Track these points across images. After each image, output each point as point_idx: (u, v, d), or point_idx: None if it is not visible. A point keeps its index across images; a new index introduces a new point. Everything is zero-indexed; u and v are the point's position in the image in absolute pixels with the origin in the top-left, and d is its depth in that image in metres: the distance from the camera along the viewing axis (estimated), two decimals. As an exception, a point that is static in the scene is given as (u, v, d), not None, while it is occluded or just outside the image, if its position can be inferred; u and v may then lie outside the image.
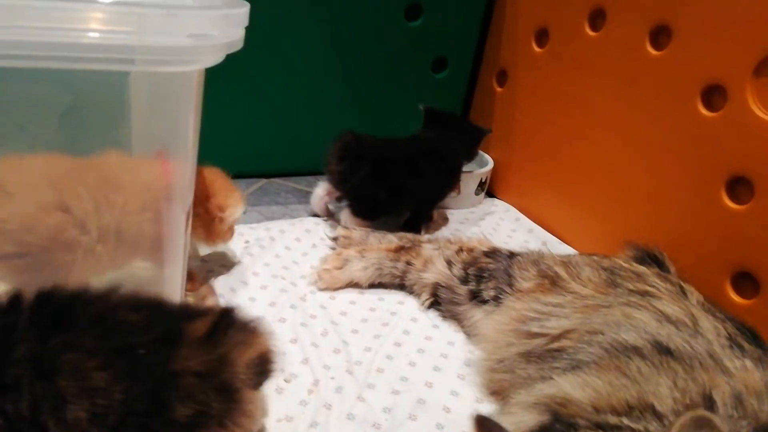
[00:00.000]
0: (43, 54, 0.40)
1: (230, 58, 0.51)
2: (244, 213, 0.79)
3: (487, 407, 0.64)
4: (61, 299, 0.45)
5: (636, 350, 0.52)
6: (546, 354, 0.58)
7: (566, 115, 1.03)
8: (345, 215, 0.96)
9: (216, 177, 0.76)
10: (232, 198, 0.75)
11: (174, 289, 0.62)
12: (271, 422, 0.57)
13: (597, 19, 0.97)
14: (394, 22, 1.11)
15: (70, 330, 0.43)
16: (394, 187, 0.94)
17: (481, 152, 1.19)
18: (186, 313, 0.49)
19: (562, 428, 0.45)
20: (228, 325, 0.48)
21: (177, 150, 0.60)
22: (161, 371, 0.43)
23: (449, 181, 1.04)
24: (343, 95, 1.14)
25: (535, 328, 0.61)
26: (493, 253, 0.78)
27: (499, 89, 1.20)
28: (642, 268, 0.69)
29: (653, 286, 0.63)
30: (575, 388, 0.49)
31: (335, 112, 1.14)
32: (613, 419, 0.44)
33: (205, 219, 0.73)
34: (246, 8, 0.48)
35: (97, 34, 0.40)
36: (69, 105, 0.75)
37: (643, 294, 0.61)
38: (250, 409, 0.49)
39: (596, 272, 0.67)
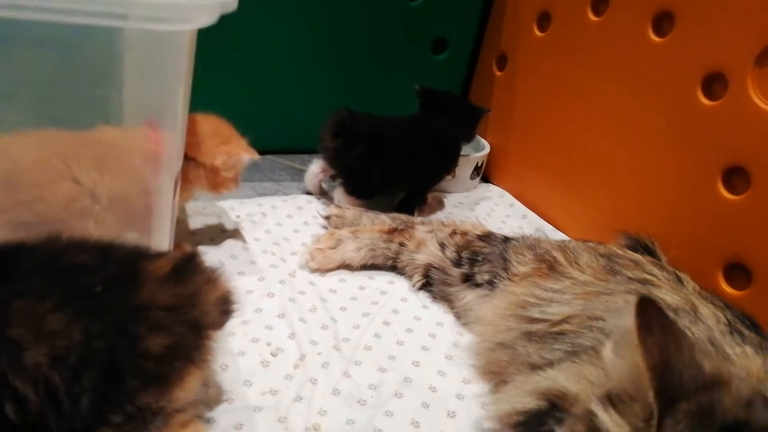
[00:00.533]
0: (36, 5, 0.39)
1: (225, 29, 0.49)
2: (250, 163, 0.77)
3: (474, 388, 0.64)
4: (2, 252, 0.45)
5: None
6: (548, 335, 0.58)
7: (565, 101, 1.02)
8: (338, 193, 0.95)
9: (219, 124, 0.75)
10: (237, 145, 0.74)
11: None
12: (255, 395, 0.57)
13: (599, 4, 0.96)
14: (395, 1, 1.09)
15: (16, 279, 0.42)
16: (388, 167, 0.93)
17: (477, 136, 1.18)
18: (142, 253, 0.50)
19: (558, 417, 0.45)
20: (192, 266, 0.49)
21: (167, 118, 0.59)
22: (123, 306, 0.43)
23: (446, 165, 1.03)
24: (340, 73, 1.12)
25: (535, 314, 0.61)
26: (487, 237, 0.78)
27: (498, 73, 1.19)
28: (637, 256, 0.69)
29: (652, 274, 0.63)
30: (570, 380, 0.48)
31: (332, 90, 1.12)
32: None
33: (210, 168, 0.72)
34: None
35: None
36: (62, 68, 0.73)
37: (643, 282, 0.61)
38: (215, 349, 0.50)
39: (594, 258, 0.66)
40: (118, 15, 0.42)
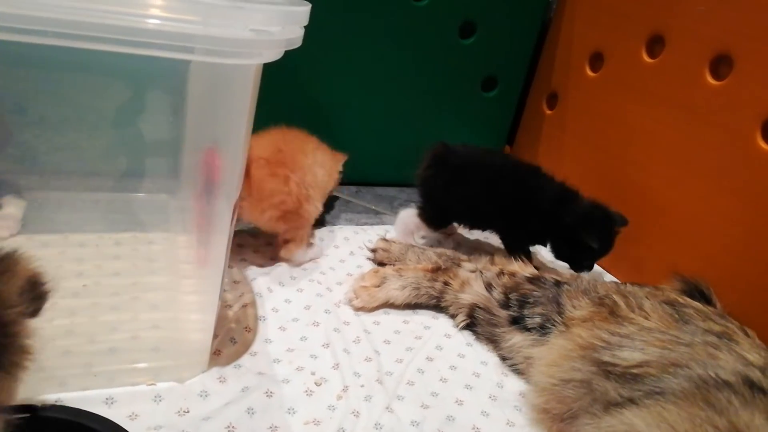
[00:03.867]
0: (107, 36, 0.41)
1: (286, 63, 0.51)
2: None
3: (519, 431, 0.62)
4: None
5: (727, 384, 0.51)
6: (627, 375, 0.57)
7: (618, 141, 1.01)
8: (412, 216, 0.95)
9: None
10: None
11: (215, 283, 0.62)
12: (298, 424, 0.57)
13: (655, 45, 0.95)
14: (447, 39, 1.11)
15: None
16: (468, 202, 0.91)
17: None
18: None
19: None
20: None
21: (228, 145, 0.61)
22: None
23: (533, 230, 0.91)
24: (393, 107, 1.14)
25: (606, 357, 0.59)
26: (537, 279, 0.77)
27: (548, 111, 1.18)
28: (699, 305, 0.67)
29: (724, 327, 0.61)
30: (650, 426, 0.47)
31: (384, 122, 1.15)
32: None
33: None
34: (307, 7, 0.49)
35: (159, 21, 0.41)
36: (128, 95, 0.77)
37: (720, 335, 0.60)
38: (28, 344, 0.43)
39: (658, 305, 0.65)
40: (185, 48, 0.44)
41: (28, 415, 0.47)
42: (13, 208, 0.75)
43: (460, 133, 1.23)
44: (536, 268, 0.83)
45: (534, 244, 0.95)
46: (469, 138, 1.24)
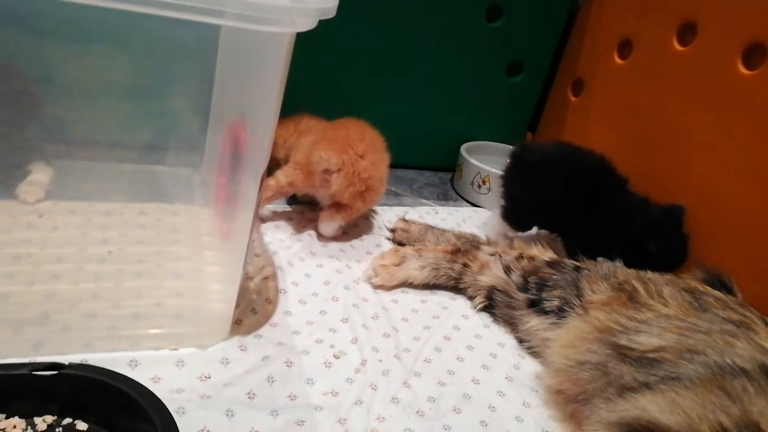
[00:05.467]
0: None
1: (310, 43, 0.50)
2: None
3: (534, 412, 0.63)
4: None
5: (743, 371, 0.51)
6: (643, 359, 0.57)
7: (644, 131, 0.99)
8: (495, 217, 0.97)
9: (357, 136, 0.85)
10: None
11: (238, 255, 0.62)
12: (317, 394, 0.58)
13: (686, 33, 0.93)
14: (474, 22, 1.10)
15: None
16: (543, 201, 0.89)
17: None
18: None
19: None
20: None
21: (257, 118, 0.61)
22: None
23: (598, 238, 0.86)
24: (417, 90, 1.14)
25: (623, 341, 0.59)
26: (556, 264, 0.76)
27: (573, 98, 1.17)
28: (720, 294, 0.67)
29: (744, 316, 0.60)
30: (663, 411, 0.47)
31: (408, 106, 1.14)
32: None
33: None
34: (341, -23, 0.49)
35: None
36: (155, 66, 0.78)
37: (738, 324, 0.59)
38: None
39: (678, 292, 0.64)
40: (215, 12, 0.43)
41: (55, 372, 0.48)
42: (41, 174, 0.77)
43: (482, 118, 1.22)
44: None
45: (599, 255, 0.83)
46: (492, 123, 1.23)
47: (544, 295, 0.72)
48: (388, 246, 0.89)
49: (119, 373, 0.49)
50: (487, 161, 1.12)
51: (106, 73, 0.77)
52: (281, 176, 0.85)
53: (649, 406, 0.50)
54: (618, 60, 1.06)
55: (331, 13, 0.48)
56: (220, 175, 0.79)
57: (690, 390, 0.51)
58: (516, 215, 0.93)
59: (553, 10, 1.15)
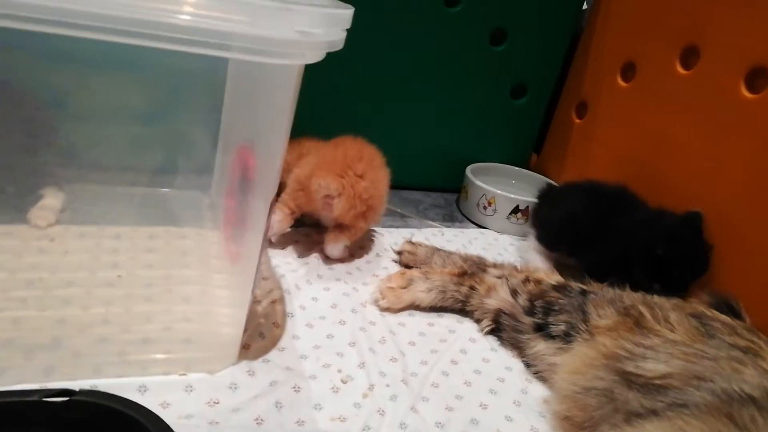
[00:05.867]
0: (144, 32, 0.41)
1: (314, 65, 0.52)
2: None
3: (542, 437, 0.62)
4: None
5: (751, 399, 0.51)
6: (650, 386, 0.57)
7: (648, 153, 1.00)
8: (530, 240, 1.01)
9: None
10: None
11: (247, 279, 0.63)
12: (325, 420, 0.58)
13: (689, 56, 0.95)
14: (478, 45, 1.11)
15: None
16: (573, 225, 0.94)
17: (552, 182, 1.18)
18: None
19: None
20: None
21: (266, 145, 0.62)
22: None
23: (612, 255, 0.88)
24: (422, 112, 1.15)
25: (630, 367, 0.59)
26: (563, 287, 0.77)
27: (577, 120, 1.18)
28: (727, 318, 0.67)
29: (751, 342, 0.61)
30: None
31: (413, 128, 1.15)
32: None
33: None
34: (351, 11, 0.50)
35: (198, 18, 0.42)
36: (165, 93, 0.79)
37: (745, 350, 0.59)
38: None
39: (684, 318, 0.65)
40: (222, 46, 0.44)
41: (66, 399, 0.49)
42: (53, 199, 0.78)
43: (488, 140, 1.23)
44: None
45: (616, 274, 0.80)
46: (497, 145, 1.24)
47: (550, 319, 0.72)
48: (394, 268, 0.90)
49: (129, 400, 0.50)
50: (492, 183, 1.12)
51: (117, 99, 0.78)
52: (288, 200, 0.86)
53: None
54: (621, 83, 1.07)
55: (339, 46, 0.49)
56: (229, 198, 0.80)
57: (697, 418, 0.50)
58: (546, 239, 0.99)
59: (557, 33, 1.17)
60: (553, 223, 0.97)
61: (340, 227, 0.85)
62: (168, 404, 0.55)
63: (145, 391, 0.56)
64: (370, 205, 0.83)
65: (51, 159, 0.78)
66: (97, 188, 0.84)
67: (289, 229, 0.93)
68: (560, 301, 0.74)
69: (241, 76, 0.70)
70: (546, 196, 1.04)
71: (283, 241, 0.90)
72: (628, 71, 1.06)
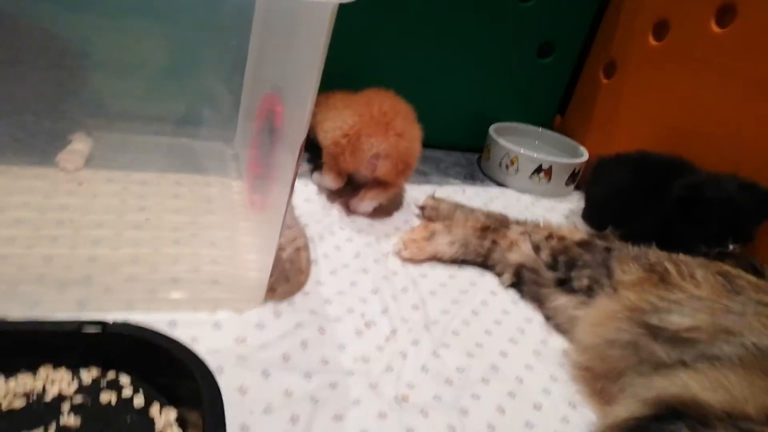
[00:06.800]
0: None
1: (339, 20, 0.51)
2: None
3: (561, 387, 0.63)
4: None
5: None
6: (677, 338, 0.57)
7: (678, 115, 0.98)
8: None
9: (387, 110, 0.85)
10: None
11: (275, 227, 0.63)
12: (348, 360, 0.59)
13: (725, 14, 0.92)
14: (506, 1, 1.09)
15: None
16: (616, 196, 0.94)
17: (576, 143, 1.16)
18: None
19: (689, 425, 0.44)
20: None
21: (295, 91, 0.62)
22: None
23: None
24: (446, 70, 1.13)
25: (654, 320, 0.59)
26: (586, 244, 0.76)
27: (605, 80, 1.16)
28: (752, 277, 0.66)
29: None
30: (705, 389, 0.47)
31: (436, 86, 1.14)
32: (756, 427, 0.43)
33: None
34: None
35: None
36: (188, 42, 0.79)
37: None
38: None
39: (710, 275, 0.64)
40: None
41: (100, 329, 0.50)
42: (81, 144, 0.79)
43: (511, 99, 1.22)
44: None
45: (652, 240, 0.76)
46: (521, 105, 1.23)
47: (573, 274, 0.73)
48: (416, 223, 0.90)
49: (160, 332, 0.51)
50: (514, 143, 1.11)
51: (140, 48, 0.78)
52: (331, 164, 0.87)
53: (690, 382, 0.50)
54: (653, 42, 1.05)
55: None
56: (253, 148, 0.81)
57: (732, 370, 0.50)
58: (591, 216, 1.00)
59: (587, -10, 1.14)
60: (598, 200, 0.97)
61: (378, 185, 0.85)
62: (197, 339, 0.56)
63: (174, 326, 0.57)
64: (408, 164, 0.83)
65: (78, 106, 0.79)
66: (123, 136, 0.85)
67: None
68: (584, 256, 0.74)
69: (268, 21, 0.69)
70: (594, 170, 1.01)
71: (305, 192, 0.90)
72: (661, 30, 1.03)
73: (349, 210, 0.88)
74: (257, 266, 0.67)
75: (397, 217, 0.90)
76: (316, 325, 0.62)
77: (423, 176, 1.09)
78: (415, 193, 0.99)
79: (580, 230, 0.84)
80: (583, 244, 0.77)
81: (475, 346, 0.66)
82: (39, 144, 0.77)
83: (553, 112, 1.28)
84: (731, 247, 0.80)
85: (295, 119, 0.62)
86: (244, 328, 0.59)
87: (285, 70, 0.66)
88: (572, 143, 1.17)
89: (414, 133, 0.86)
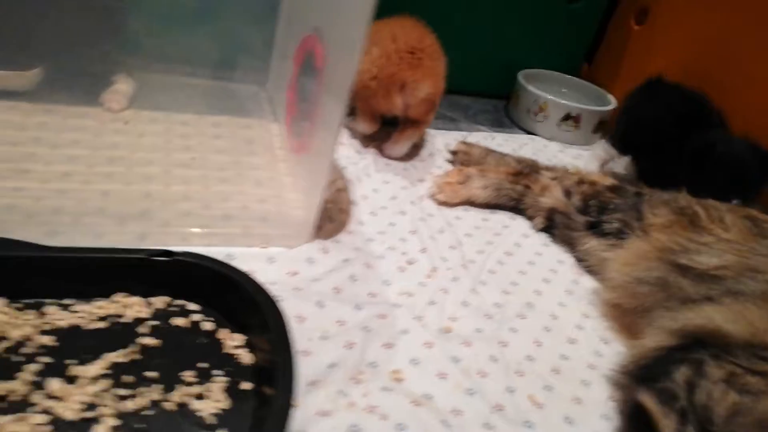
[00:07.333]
0: None
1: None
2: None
3: (593, 323, 0.67)
4: None
5: None
6: (705, 275, 0.60)
7: (714, 65, 0.97)
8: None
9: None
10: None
11: (321, 168, 0.65)
12: (394, 294, 0.62)
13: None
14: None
15: None
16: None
17: (604, 91, 1.17)
18: None
19: (712, 353, 0.47)
20: None
21: (338, 30, 0.62)
22: None
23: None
24: (473, 15, 1.12)
25: (683, 260, 0.62)
26: (618, 188, 0.78)
27: (636, 27, 1.15)
28: (780, 222, 0.69)
29: None
30: (728, 320, 0.50)
31: (464, 32, 1.13)
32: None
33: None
34: None
35: None
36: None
37: None
38: None
39: (738, 219, 0.67)
40: None
41: (168, 258, 0.53)
42: (125, 85, 0.81)
43: (539, 46, 1.21)
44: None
45: (670, 182, 0.81)
46: (547, 52, 1.22)
47: (604, 217, 0.75)
48: (448, 168, 0.92)
49: (225, 262, 0.54)
50: (542, 90, 1.12)
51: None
52: (365, 110, 0.88)
53: (714, 315, 0.53)
54: (689, -13, 1.03)
55: None
56: (290, 91, 0.82)
57: (754, 304, 0.53)
58: (620, 140, 1.02)
59: (623, -67, 1.11)
60: (622, 126, 1.00)
61: (411, 124, 0.87)
62: (253, 271, 0.59)
63: (231, 259, 0.61)
64: (435, 102, 0.84)
65: (117, 47, 0.80)
66: (162, 78, 0.86)
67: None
68: (615, 201, 0.76)
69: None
70: (630, 97, 1.03)
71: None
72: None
73: (384, 154, 0.90)
74: (302, 205, 0.70)
75: (430, 163, 0.92)
76: (362, 261, 0.65)
77: (452, 122, 1.10)
78: (446, 138, 1.01)
79: (610, 177, 0.86)
80: (614, 189, 0.79)
81: (510, 285, 0.69)
82: (83, 84, 0.79)
83: (581, 59, 1.27)
84: (734, 202, 0.82)
85: (340, 61, 0.62)
86: (296, 263, 0.62)
87: (328, 11, 0.66)
88: (600, 91, 1.17)
89: (440, 68, 0.86)
